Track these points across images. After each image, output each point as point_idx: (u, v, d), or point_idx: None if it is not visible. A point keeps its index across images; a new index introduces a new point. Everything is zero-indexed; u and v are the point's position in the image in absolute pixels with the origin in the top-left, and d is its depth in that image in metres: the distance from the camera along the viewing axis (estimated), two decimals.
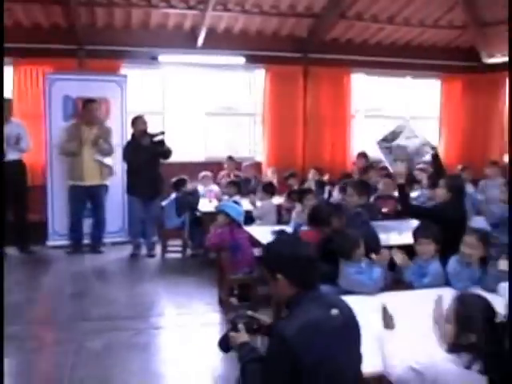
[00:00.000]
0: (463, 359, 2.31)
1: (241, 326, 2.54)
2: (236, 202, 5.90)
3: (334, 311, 2.28)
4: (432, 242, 4.12)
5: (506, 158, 9.83)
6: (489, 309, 2.39)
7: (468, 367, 2.29)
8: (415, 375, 2.37)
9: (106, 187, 7.88)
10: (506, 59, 9.94)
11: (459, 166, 8.72)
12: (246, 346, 2.47)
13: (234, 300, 5.55)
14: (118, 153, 7.77)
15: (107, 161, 7.72)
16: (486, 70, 10.46)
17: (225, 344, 2.58)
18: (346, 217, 4.62)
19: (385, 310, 2.72)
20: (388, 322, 2.71)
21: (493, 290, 3.71)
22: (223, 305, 5.55)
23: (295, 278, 2.33)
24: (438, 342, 2.49)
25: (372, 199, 6.70)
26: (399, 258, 4.12)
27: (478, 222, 5.90)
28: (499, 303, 2.70)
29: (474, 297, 2.50)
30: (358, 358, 2.40)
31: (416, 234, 4.26)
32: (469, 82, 10.64)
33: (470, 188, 7.29)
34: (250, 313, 2.65)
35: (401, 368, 2.44)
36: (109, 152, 7.70)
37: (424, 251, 4.14)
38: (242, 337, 2.50)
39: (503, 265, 3.86)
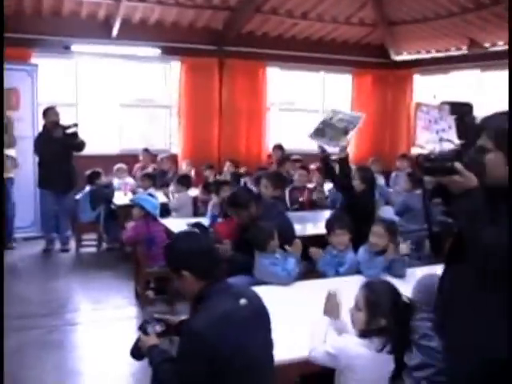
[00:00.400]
0: (375, 343, 2.40)
1: (150, 329, 2.51)
2: (151, 195, 5.84)
3: (243, 301, 2.30)
4: (347, 232, 4.23)
5: (413, 151, 10.27)
6: (395, 293, 2.46)
7: (380, 350, 2.39)
8: (331, 359, 2.44)
9: (11, 180, 7.51)
10: (413, 57, 10.44)
11: (370, 159, 9.04)
12: (155, 348, 2.44)
13: (150, 293, 5.51)
14: (28, 144, 7.48)
15: (10, 152, 7.37)
16: (394, 67, 10.91)
17: (137, 351, 2.54)
18: (263, 206, 4.66)
19: (331, 297, 2.72)
20: (331, 309, 2.70)
21: (400, 276, 3.91)
22: (140, 298, 5.50)
23: (200, 271, 2.33)
24: (352, 328, 2.57)
25: (287, 191, 6.88)
26: (313, 251, 4.21)
27: (386, 211, 6.18)
28: (406, 288, 2.81)
29: (381, 283, 2.58)
30: (269, 346, 2.43)
31: (331, 225, 4.33)
32: (379, 78, 11.03)
33: (380, 180, 7.59)
34: (157, 315, 2.63)
35: (318, 352, 2.50)
36: (9, 144, 7.31)
37: (340, 241, 4.22)
38: (152, 340, 2.48)
39: (404, 248, 4.07)
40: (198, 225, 4.58)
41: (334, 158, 5.30)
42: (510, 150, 2.03)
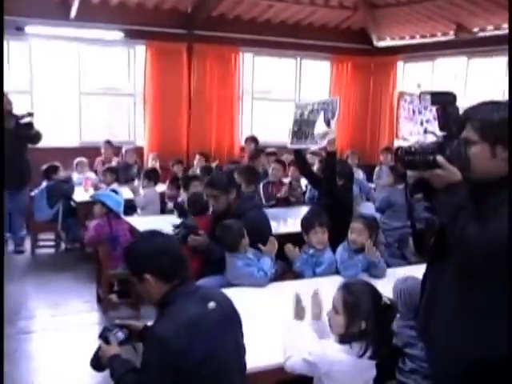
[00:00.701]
0: (355, 348, 2.42)
1: (112, 337, 2.48)
2: (114, 191, 5.80)
3: (211, 304, 2.31)
4: (326, 231, 4.26)
5: (396, 143, 10.39)
6: (375, 293, 2.48)
7: (361, 356, 2.40)
8: (309, 367, 2.46)
9: None
10: (397, 43, 10.53)
11: (347, 151, 9.16)
12: (116, 358, 2.42)
13: (113, 297, 5.49)
14: None
15: None
16: (376, 53, 10.99)
17: (97, 362, 2.50)
18: (242, 198, 4.68)
19: (298, 300, 2.77)
20: (299, 312, 2.75)
21: (380, 276, 3.99)
22: (102, 303, 5.48)
23: (164, 274, 2.32)
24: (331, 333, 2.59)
25: (261, 185, 6.92)
26: (289, 250, 4.22)
27: (367, 207, 6.27)
28: (386, 289, 2.85)
29: (360, 283, 2.59)
30: (241, 352, 2.44)
31: (309, 222, 4.33)
32: (359, 65, 11.11)
33: (358, 173, 7.67)
34: (119, 321, 2.61)
35: (295, 360, 2.51)
36: None
37: (319, 240, 4.23)
38: (113, 349, 2.45)
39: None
40: (184, 225, 4.57)
41: (314, 150, 5.25)
42: (510, 145, 2.05)
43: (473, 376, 2.11)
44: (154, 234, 2.43)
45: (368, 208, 6.25)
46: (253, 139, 9.33)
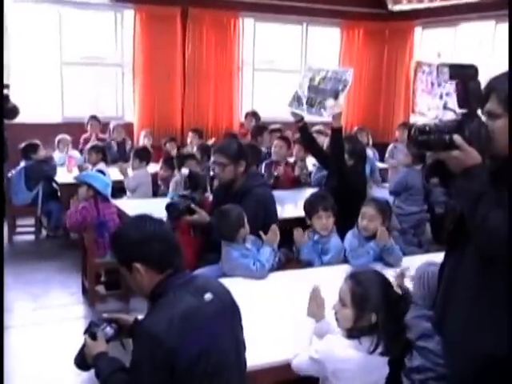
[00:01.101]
0: (365, 344, 2.41)
1: (100, 333, 2.48)
2: (101, 172, 5.80)
3: (207, 296, 2.31)
4: (331, 215, 4.26)
5: (412, 119, 10.36)
6: (385, 283, 2.48)
7: (372, 352, 2.39)
8: (315, 365, 2.46)
9: None
10: (414, 6, 10.44)
11: (355, 128, 9.15)
12: (103, 356, 2.42)
13: (101, 288, 5.51)
14: None
15: None
16: (391, 18, 10.93)
17: (82, 360, 2.49)
18: (248, 174, 4.64)
19: (315, 294, 2.77)
20: (314, 310, 2.75)
21: (395, 265, 3.99)
22: (88, 294, 5.48)
23: (155, 263, 2.32)
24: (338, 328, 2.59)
25: (263, 166, 6.95)
26: (297, 236, 4.21)
27: (378, 190, 6.30)
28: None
29: (369, 272, 2.57)
30: (240, 348, 2.45)
31: (312, 206, 4.33)
32: (372, 32, 11.04)
33: (369, 152, 7.56)
34: (106, 315, 2.62)
35: (301, 359, 2.52)
36: None
37: (324, 225, 4.23)
38: (99, 346, 2.45)
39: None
40: (192, 197, 4.52)
41: (319, 129, 5.21)
42: (510, 144, 2.05)
43: (494, 373, 2.11)
44: (145, 219, 2.41)
45: (379, 191, 6.27)
46: (253, 115, 9.32)
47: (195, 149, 7.61)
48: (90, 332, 2.49)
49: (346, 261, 4.12)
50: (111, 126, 8.84)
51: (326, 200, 4.34)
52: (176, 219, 4.24)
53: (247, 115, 9.47)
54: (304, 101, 5.07)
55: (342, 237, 4.27)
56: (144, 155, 7.03)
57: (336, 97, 4.90)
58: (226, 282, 2.61)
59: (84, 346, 2.50)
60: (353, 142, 5.51)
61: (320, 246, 4.21)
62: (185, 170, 5.76)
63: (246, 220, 3.99)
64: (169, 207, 4.28)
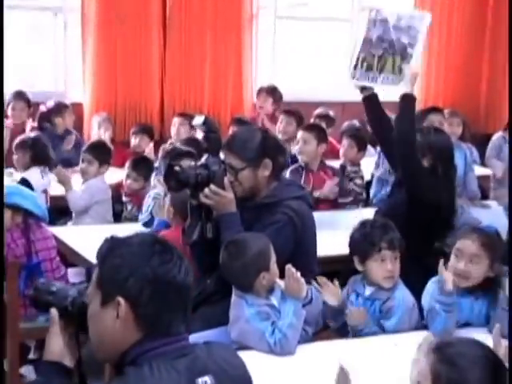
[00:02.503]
0: None
1: None
2: (25, 182, 4.71)
3: (204, 380, 1.92)
4: (398, 255, 3.46)
5: None
6: (492, 363, 2.01)
7: None
8: None
9: None
10: None
11: (445, 111, 6.89)
12: None
13: (28, 371, 4.41)
14: None
15: None
16: None
17: None
18: (280, 181, 3.84)
19: (342, 372, 2.46)
20: None
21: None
22: (6, 381, 4.41)
23: (148, 315, 1.93)
24: None
25: (288, 172, 5.51)
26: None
27: (477, 211, 5.23)
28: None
29: (464, 345, 2.09)
30: None
31: (370, 240, 3.47)
32: None
33: (462, 150, 6.10)
34: None
35: None
36: None
37: (391, 272, 3.42)
38: None
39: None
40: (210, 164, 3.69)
41: None
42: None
43: None
44: (169, 250, 2.01)
45: (479, 210, 5.23)
46: (271, 91, 7.47)
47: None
48: None
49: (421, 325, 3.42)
50: (46, 107, 6.79)
51: (390, 231, 3.51)
52: (177, 190, 3.62)
53: (260, 92, 7.53)
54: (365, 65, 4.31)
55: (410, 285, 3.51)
56: (100, 154, 5.58)
57: (404, 57, 4.09)
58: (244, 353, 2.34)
59: None
60: (430, 133, 4.45)
61: (378, 305, 3.43)
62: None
63: (273, 258, 3.27)
64: (170, 170, 3.54)
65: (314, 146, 5.61)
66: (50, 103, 6.79)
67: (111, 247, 2.09)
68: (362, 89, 4.36)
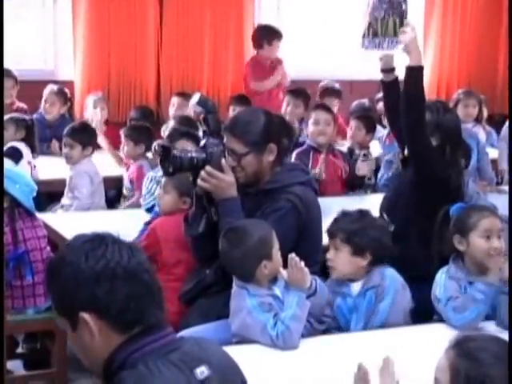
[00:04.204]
0: None
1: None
2: (15, 150, 4.94)
3: (202, 370, 1.89)
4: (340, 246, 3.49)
5: None
6: None
7: None
8: None
9: None
10: None
11: (458, 92, 6.84)
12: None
13: (16, 365, 4.35)
14: None
15: None
16: None
17: None
18: (283, 166, 3.82)
19: (360, 372, 2.34)
20: None
21: None
22: None
23: (116, 314, 1.85)
24: None
25: (295, 154, 5.38)
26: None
27: (495, 196, 5.13)
28: None
29: (484, 340, 2.02)
30: None
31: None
32: None
33: (477, 132, 5.99)
34: None
35: None
36: None
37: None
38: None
39: None
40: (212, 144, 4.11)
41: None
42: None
43: None
44: (102, 242, 1.92)
45: (495, 195, 5.08)
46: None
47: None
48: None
49: (427, 316, 3.34)
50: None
51: (344, 222, 3.48)
52: (171, 174, 3.51)
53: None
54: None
55: (406, 270, 3.44)
56: (82, 138, 5.33)
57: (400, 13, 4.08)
58: (232, 349, 2.29)
59: None
60: (438, 112, 4.21)
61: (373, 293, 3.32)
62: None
63: (276, 245, 3.19)
64: (165, 153, 3.48)
65: (333, 127, 5.59)
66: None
67: (50, 272, 2.04)
68: (386, 70, 4.21)
